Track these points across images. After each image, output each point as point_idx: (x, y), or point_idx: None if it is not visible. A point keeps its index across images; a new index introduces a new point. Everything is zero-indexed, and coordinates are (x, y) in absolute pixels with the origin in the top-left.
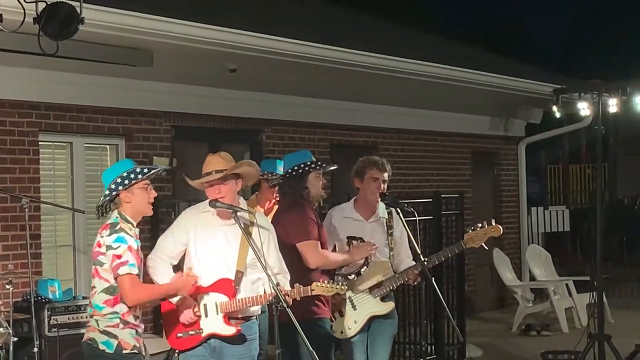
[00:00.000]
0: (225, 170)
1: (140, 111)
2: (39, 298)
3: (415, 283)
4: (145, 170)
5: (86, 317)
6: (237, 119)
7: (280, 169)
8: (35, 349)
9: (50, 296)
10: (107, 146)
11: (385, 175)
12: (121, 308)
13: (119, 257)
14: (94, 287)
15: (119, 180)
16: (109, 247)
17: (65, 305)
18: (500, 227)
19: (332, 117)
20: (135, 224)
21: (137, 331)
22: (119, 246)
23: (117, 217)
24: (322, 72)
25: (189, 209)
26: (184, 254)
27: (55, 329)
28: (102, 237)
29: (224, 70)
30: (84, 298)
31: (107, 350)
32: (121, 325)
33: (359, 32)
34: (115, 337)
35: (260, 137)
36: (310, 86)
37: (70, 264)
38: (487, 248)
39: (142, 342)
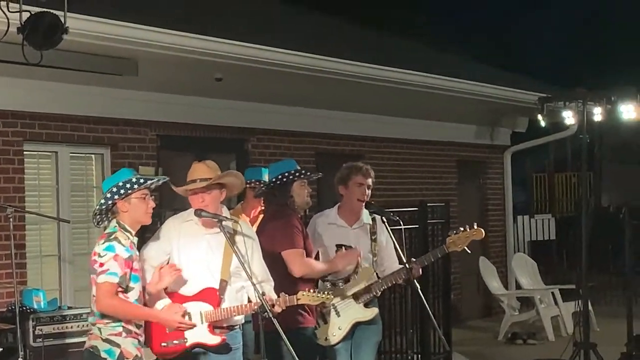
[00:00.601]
0: (210, 179)
1: (125, 120)
2: (24, 308)
3: (405, 283)
4: (142, 181)
5: (84, 326)
6: (223, 128)
7: (265, 177)
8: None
9: (35, 306)
10: (93, 155)
11: (370, 180)
12: None
13: (102, 265)
14: (93, 296)
15: (114, 189)
16: (99, 255)
17: (51, 315)
18: (482, 230)
19: (317, 125)
20: (133, 232)
21: (139, 341)
22: (105, 254)
23: (115, 226)
24: (308, 81)
25: (171, 218)
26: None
27: (40, 339)
28: (98, 245)
29: (209, 79)
30: (69, 308)
31: (109, 359)
32: (124, 334)
33: (344, 41)
34: (117, 345)
35: (246, 146)
36: (296, 95)
37: (55, 273)
38: (469, 252)
39: (142, 352)
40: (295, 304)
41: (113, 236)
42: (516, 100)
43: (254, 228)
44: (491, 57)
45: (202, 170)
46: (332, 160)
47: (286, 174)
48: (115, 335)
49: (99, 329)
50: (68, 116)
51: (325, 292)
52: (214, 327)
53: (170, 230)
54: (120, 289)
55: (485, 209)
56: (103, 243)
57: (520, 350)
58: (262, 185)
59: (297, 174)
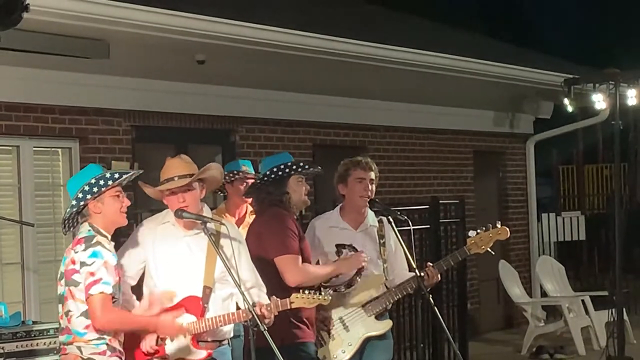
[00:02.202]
0: (189, 175)
1: (96, 110)
2: None
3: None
4: (116, 176)
5: (51, 344)
6: (206, 117)
7: (243, 167)
8: None
9: None
10: (59, 150)
11: (372, 174)
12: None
13: (93, 274)
14: (69, 311)
15: (86, 188)
16: (83, 264)
17: (13, 331)
18: (507, 229)
19: (314, 114)
20: (109, 237)
21: (121, 359)
22: (93, 262)
23: (89, 229)
24: (303, 63)
25: (145, 221)
26: (144, 272)
27: (2, 359)
28: (76, 252)
29: (191, 62)
30: (34, 323)
31: None
32: (108, 353)
33: (344, 17)
34: None
35: (233, 138)
36: (290, 80)
37: (18, 284)
38: (493, 253)
39: None
40: (289, 307)
41: (94, 240)
42: (539, 83)
43: (243, 230)
44: (509, 34)
45: (178, 167)
46: (331, 153)
47: (282, 167)
48: (99, 354)
49: (79, 347)
50: (31, 105)
51: (322, 294)
52: (198, 340)
53: (144, 235)
54: (113, 300)
55: (505, 205)
56: (85, 250)
57: None
58: (241, 175)
59: (294, 167)
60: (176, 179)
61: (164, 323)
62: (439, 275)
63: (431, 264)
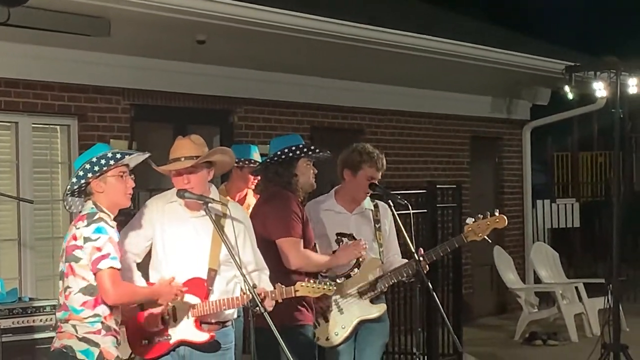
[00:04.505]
0: (196, 157)
1: (95, 87)
2: None
3: (411, 279)
4: (119, 156)
5: (47, 321)
6: (205, 97)
7: (255, 156)
8: None
9: None
10: (58, 127)
11: (380, 175)
12: (103, 310)
13: (99, 249)
14: (67, 287)
15: (87, 166)
16: (87, 239)
17: (10, 307)
18: (504, 217)
19: (313, 96)
20: (112, 216)
21: (117, 339)
22: (98, 237)
23: (92, 207)
24: (303, 45)
25: (153, 198)
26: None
27: None
28: (77, 228)
29: (191, 42)
30: (31, 299)
31: None
32: (103, 332)
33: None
34: (96, 345)
35: (231, 119)
36: (289, 61)
37: (15, 260)
38: (490, 241)
39: (120, 352)
40: (293, 295)
41: (97, 217)
42: (538, 69)
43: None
44: (508, 19)
45: (186, 147)
46: (329, 135)
47: (293, 148)
48: (94, 333)
49: (74, 326)
50: (30, 82)
51: (327, 283)
52: (201, 322)
53: (152, 212)
54: None
55: (501, 191)
56: (87, 225)
57: (539, 351)
58: (252, 164)
59: (305, 150)
60: (182, 159)
61: (161, 288)
62: (427, 266)
63: (424, 253)
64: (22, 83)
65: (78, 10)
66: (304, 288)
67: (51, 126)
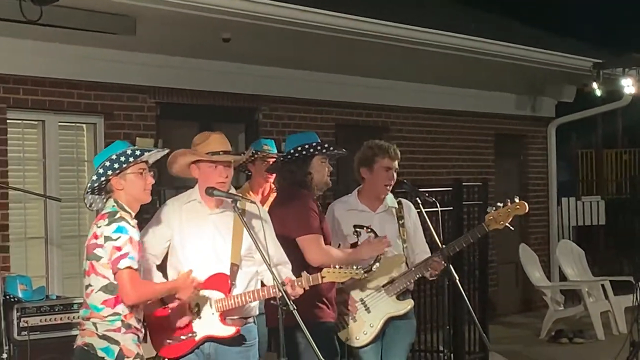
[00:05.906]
0: (230, 153)
1: (121, 86)
2: (7, 297)
3: (435, 277)
4: (138, 153)
5: (74, 318)
6: (230, 95)
7: (265, 147)
8: (5, 355)
9: (20, 295)
10: (84, 125)
11: (397, 163)
12: (123, 309)
13: (119, 249)
14: (89, 285)
15: (107, 163)
16: (107, 239)
17: (37, 305)
18: (525, 203)
19: (338, 93)
20: (133, 214)
21: (138, 337)
22: (119, 237)
23: (113, 205)
24: (328, 42)
25: (169, 201)
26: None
27: (26, 332)
28: (98, 227)
29: (216, 40)
30: (57, 297)
31: (106, 358)
32: (123, 329)
33: None
34: (116, 343)
35: (256, 116)
36: (314, 59)
37: (42, 258)
38: (512, 228)
39: (142, 349)
40: (320, 282)
41: (118, 216)
42: (563, 66)
43: (266, 209)
44: (533, 16)
45: (223, 143)
46: (354, 133)
47: (307, 146)
48: (114, 330)
49: (94, 324)
50: (57, 80)
51: (354, 267)
52: (225, 317)
53: (169, 213)
54: None
55: (525, 189)
56: (108, 224)
57: (566, 350)
58: (260, 154)
59: (319, 147)
60: (221, 153)
61: (179, 282)
62: (449, 259)
63: (444, 246)
64: (48, 81)
65: (104, 8)
66: (331, 274)
67: (77, 124)
